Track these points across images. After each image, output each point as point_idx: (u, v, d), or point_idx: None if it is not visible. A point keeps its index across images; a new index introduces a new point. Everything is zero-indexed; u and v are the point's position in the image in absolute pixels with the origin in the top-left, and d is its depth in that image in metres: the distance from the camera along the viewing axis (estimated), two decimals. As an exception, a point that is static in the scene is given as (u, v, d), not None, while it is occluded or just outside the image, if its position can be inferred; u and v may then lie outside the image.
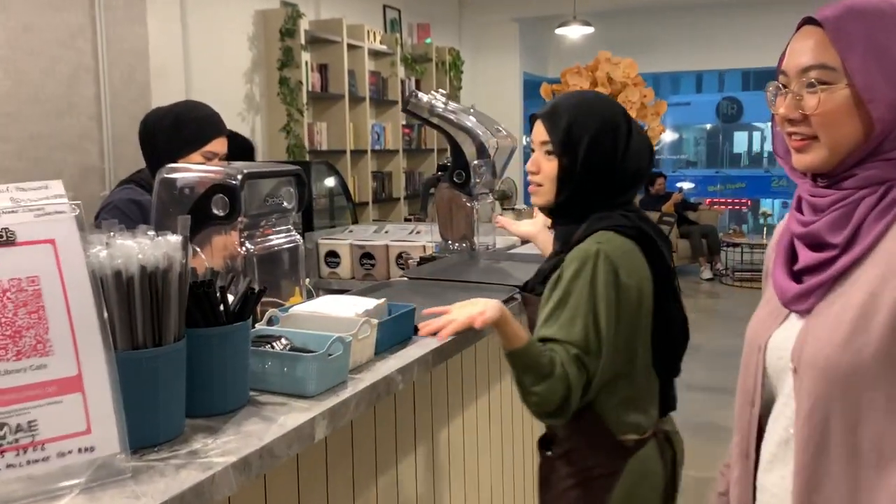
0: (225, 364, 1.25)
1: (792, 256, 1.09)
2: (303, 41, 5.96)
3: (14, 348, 0.99)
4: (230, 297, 1.27)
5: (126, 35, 4.84)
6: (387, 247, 3.70)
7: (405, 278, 2.41)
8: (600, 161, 1.59)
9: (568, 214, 1.65)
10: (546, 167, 1.63)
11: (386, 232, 4.03)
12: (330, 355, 1.37)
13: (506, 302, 2.03)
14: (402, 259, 3.66)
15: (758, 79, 11.69)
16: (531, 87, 10.18)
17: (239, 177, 1.68)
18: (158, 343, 1.12)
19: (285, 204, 1.88)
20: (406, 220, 7.62)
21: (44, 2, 4.32)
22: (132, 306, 1.10)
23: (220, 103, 5.58)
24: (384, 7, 7.69)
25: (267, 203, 1.80)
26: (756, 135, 15.47)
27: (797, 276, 1.08)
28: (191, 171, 1.75)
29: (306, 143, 6.06)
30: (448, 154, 3.02)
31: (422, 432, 1.92)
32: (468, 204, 2.97)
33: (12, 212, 1.05)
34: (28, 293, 1.02)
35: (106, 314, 1.06)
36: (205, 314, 1.22)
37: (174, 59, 5.24)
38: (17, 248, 1.03)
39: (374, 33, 7.03)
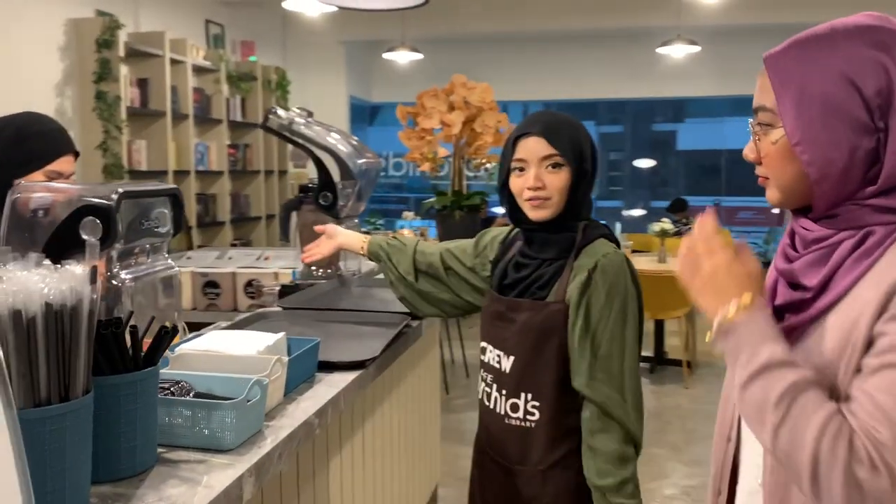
0: (135, 417, 1.05)
1: (774, 293, 1.06)
2: (122, 53, 5.53)
3: None
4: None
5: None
6: (234, 274, 3.47)
7: (278, 308, 2.23)
8: (597, 167, 1.69)
9: (562, 223, 1.67)
10: (552, 180, 1.64)
11: (230, 258, 3.78)
12: (248, 401, 1.20)
13: (398, 334, 1.93)
14: (251, 287, 3.44)
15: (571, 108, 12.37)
16: (357, 111, 10.12)
17: (114, 197, 1.46)
18: (65, 397, 0.91)
19: (160, 228, 1.67)
20: (232, 244, 7.27)
21: None
22: (34, 353, 0.89)
23: (27, 117, 5.07)
24: (206, 22, 7.34)
25: (142, 225, 1.58)
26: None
27: (779, 314, 1.04)
28: (54, 190, 1.50)
29: (125, 163, 5.61)
30: (288, 175, 2.87)
31: (337, 473, 1.77)
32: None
33: None
34: None
35: (3, 364, 0.85)
36: (111, 359, 1.02)
37: (-27, 67, 4.67)
38: None
39: (198, 48, 6.68)
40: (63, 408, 0.90)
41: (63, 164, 2.03)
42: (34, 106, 5.17)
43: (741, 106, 10.05)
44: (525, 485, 1.64)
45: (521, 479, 1.65)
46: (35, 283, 0.89)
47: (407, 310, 2.04)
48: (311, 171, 3.10)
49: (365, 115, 11.38)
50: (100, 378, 0.99)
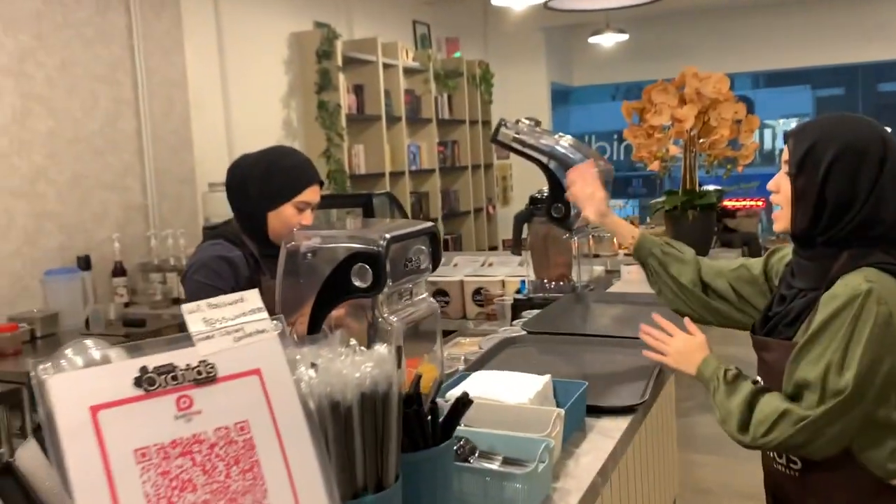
0: (434, 491, 1.02)
1: None
2: (339, 62, 5.75)
3: (231, 523, 0.78)
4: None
5: (164, 65, 4.64)
6: (461, 283, 3.49)
7: (524, 331, 2.18)
8: (839, 186, 1.40)
9: (812, 245, 1.46)
10: (785, 188, 1.47)
11: (455, 265, 3.82)
12: (541, 464, 1.15)
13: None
14: (479, 296, 3.44)
15: (770, 78, 11.46)
16: (559, 97, 9.98)
17: (382, 243, 1.46)
18: (379, 484, 0.90)
19: (421, 265, 1.66)
20: (444, 239, 7.41)
21: (81, 35, 4.12)
22: (351, 443, 0.88)
23: (258, 130, 5.43)
24: (414, 23, 7.49)
25: (406, 266, 1.58)
26: (767, 132, 15.21)
27: None
28: (324, 237, 1.53)
29: (346, 168, 5.85)
30: (487, 180, 2.80)
31: None
32: (568, 240, 2.75)
33: (208, 337, 0.83)
34: (239, 445, 0.80)
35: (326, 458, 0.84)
36: (412, 436, 1.00)
37: (212, 88, 5.04)
38: (219, 385, 0.81)
39: (407, 50, 6.83)
40: (380, 497, 0.89)
41: (310, 194, 2.10)
42: (264, 118, 5.55)
43: None
44: None
45: None
46: (350, 370, 0.87)
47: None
48: (515, 164, 3.04)
49: (567, 98, 11.18)
50: (404, 455, 0.97)
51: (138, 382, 0.77)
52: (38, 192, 3.89)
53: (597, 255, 3.69)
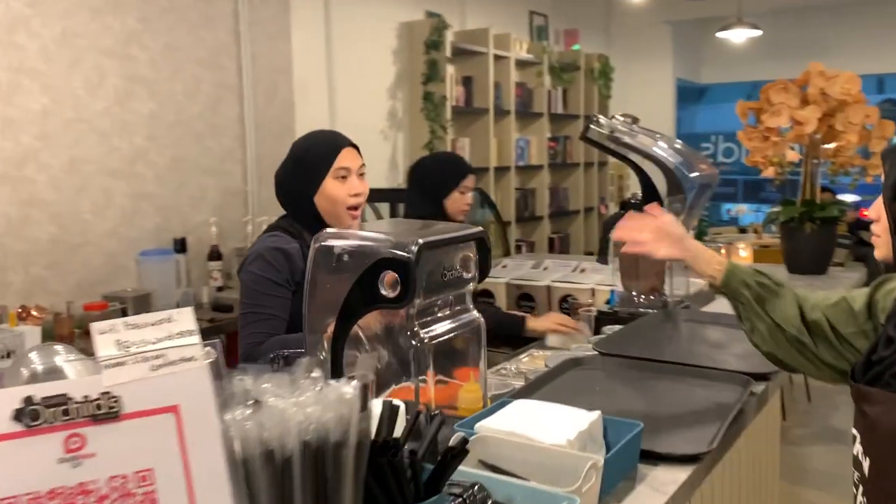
0: (414, 558, 0.85)
1: None
2: (448, 53, 5.62)
3: None
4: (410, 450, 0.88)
5: (270, 51, 4.63)
6: (548, 288, 3.28)
7: (595, 351, 1.97)
8: None
9: None
10: (884, 214, 1.23)
11: (545, 269, 3.60)
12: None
13: (740, 410, 1.57)
14: (566, 304, 3.22)
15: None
16: (685, 94, 9.51)
17: (414, 248, 1.29)
18: (325, 555, 0.73)
19: (464, 274, 1.48)
20: (549, 239, 7.17)
21: (187, 20, 4.15)
22: (288, 499, 0.72)
23: (363, 120, 5.36)
24: (530, 14, 7.27)
25: (444, 277, 1.40)
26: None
27: None
28: (353, 237, 1.38)
29: (450, 161, 5.71)
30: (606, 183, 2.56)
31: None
32: (659, 250, 2.49)
33: (119, 363, 0.69)
34: (137, 499, 0.65)
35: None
36: (388, 491, 0.83)
37: (317, 75, 5.01)
38: (122, 423, 0.67)
39: (521, 42, 6.62)
40: (323, 573, 0.73)
41: (345, 158, 2.04)
42: (368, 108, 5.49)
43: None
44: None
45: None
46: (293, 414, 0.71)
47: (750, 370, 1.67)
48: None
49: (694, 96, 10.65)
50: (372, 515, 0.81)
51: (18, 416, 0.63)
52: (136, 173, 3.94)
53: (700, 267, 3.39)
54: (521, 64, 6.75)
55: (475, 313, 1.51)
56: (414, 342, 1.33)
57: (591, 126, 2.52)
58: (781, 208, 3.10)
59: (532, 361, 2.35)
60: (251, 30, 4.48)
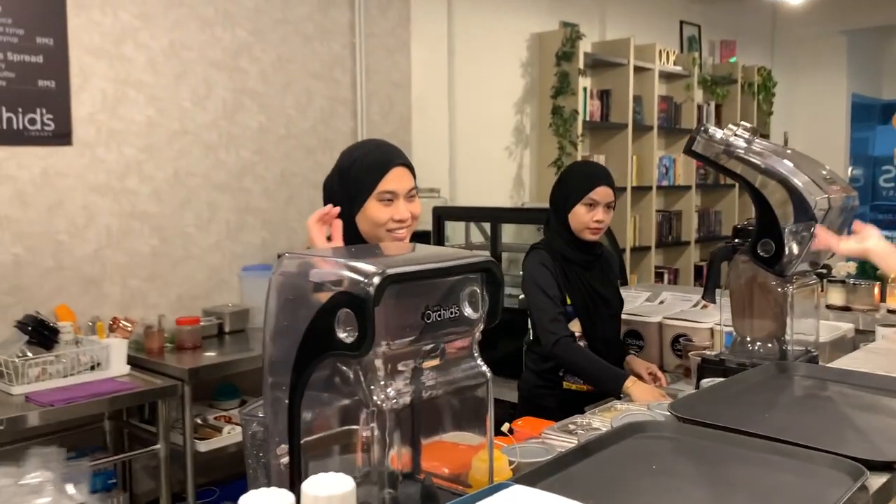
0: None
1: None
2: (581, 65, 5.26)
3: None
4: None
5: (387, 65, 4.48)
6: (660, 325, 2.87)
7: (670, 413, 1.58)
8: None
9: None
10: None
11: (661, 302, 3.18)
12: None
13: (855, 491, 1.15)
14: (678, 345, 2.80)
15: None
16: (861, 112, 8.57)
17: (374, 281, 1.00)
18: None
19: (468, 312, 1.17)
20: (696, 266, 6.59)
21: (300, 32, 4.06)
22: None
23: (486, 136, 5.10)
24: (681, 24, 6.76)
25: (427, 318, 1.10)
26: None
27: None
28: (317, 264, 1.10)
29: (580, 180, 5.33)
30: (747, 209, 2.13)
31: None
32: (779, 289, 2.05)
33: None
34: None
35: None
36: None
37: (437, 90, 4.80)
38: None
39: (668, 53, 6.14)
40: None
41: (392, 181, 1.77)
42: (492, 123, 5.23)
43: None
44: None
45: None
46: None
47: (867, 456, 1.25)
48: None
49: (873, 114, 9.61)
50: None
51: None
52: (243, 188, 3.88)
53: (847, 308, 2.86)
54: (669, 76, 6.26)
55: (481, 366, 1.19)
56: (371, 405, 1.03)
57: (699, 137, 2.11)
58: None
59: (606, 415, 1.99)
60: (367, 42, 4.34)
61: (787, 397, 1.77)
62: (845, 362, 2.16)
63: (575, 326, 2.51)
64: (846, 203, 2.11)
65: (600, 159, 5.68)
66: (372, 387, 1.03)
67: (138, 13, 3.47)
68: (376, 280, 1.00)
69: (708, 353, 2.31)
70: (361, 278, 1.01)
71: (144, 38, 3.50)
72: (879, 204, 10.49)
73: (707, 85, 6.61)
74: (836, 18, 7.54)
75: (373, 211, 1.76)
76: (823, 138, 7.96)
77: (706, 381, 1.97)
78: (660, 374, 2.55)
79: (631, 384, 2.27)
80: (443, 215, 3.61)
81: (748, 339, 2.16)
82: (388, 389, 1.05)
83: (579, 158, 5.32)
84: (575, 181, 2.49)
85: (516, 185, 5.31)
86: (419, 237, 4.04)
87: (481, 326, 1.18)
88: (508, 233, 3.78)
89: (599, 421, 1.92)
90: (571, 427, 1.89)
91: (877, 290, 2.83)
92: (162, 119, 3.57)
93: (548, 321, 2.41)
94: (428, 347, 1.11)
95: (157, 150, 3.56)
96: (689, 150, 2.13)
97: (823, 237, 1.96)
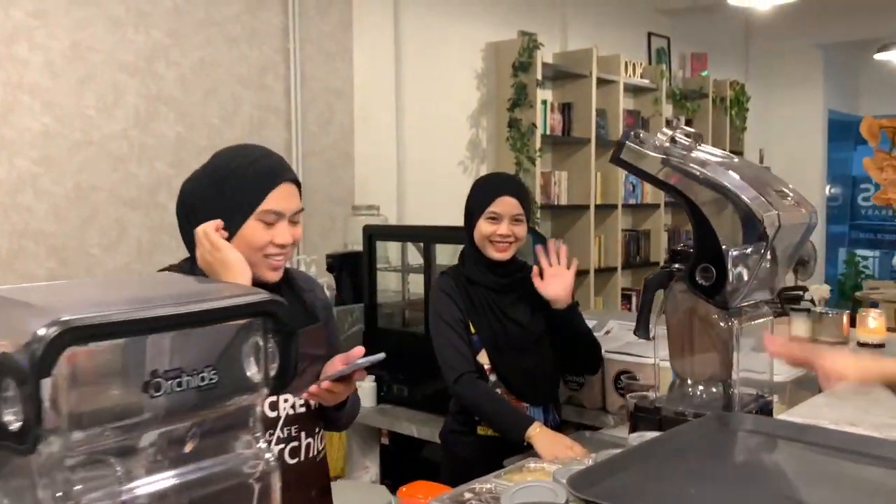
0: None
1: None
2: (539, 76, 4.95)
3: None
4: None
5: (326, 71, 4.15)
6: (603, 359, 2.52)
7: (568, 490, 1.23)
8: None
9: None
10: None
11: (607, 332, 2.85)
12: None
13: None
14: (621, 382, 2.46)
15: None
16: (839, 129, 8.32)
17: (42, 336, 0.65)
18: None
19: (250, 372, 0.83)
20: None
21: (226, 34, 3.73)
22: None
23: (438, 150, 4.75)
24: (649, 35, 6.48)
25: (154, 389, 0.75)
26: None
27: None
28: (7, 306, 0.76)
29: (538, 197, 5.02)
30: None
31: None
32: (723, 323, 1.72)
33: None
34: None
35: None
36: None
37: (383, 99, 4.47)
38: None
39: (634, 65, 5.85)
40: None
41: (281, 199, 1.47)
42: (447, 138, 4.88)
43: None
44: None
45: None
46: None
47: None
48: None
49: (851, 131, 9.38)
50: None
51: None
52: (158, 203, 3.53)
53: (814, 341, 2.53)
54: (636, 90, 5.98)
55: (267, 453, 0.84)
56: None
57: (628, 143, 1.78)
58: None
59: (518, 476, 1.64)
60: (304, 47, 4.02)
61: (723, 464, 1.42)
62: (805, 410, 1.82)
63: (483, 359, 2.17)
64: (805, 223, 1.78)
65: (562, 176, 5.38)
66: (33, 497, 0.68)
67: (34, 10, 3.14)
68: (43, 334, 0.66)
69: (652, 394, 1.98)
70: (28, 330, 0.66)
71: (41, 37, 3.16)
72: (859, 223, 10.26)
73: (677, 99, 6.33)
74: (811, 32, 7.29)
75: (252, 232, 1.46)
76: (800, 155, 7.70)
77: (634, 437, 1.63)
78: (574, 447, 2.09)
79: (535, 432, 1.93)
80: (374, 234, 3.27)
81: (689, 381, 1.82)
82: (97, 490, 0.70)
83: (538, 174, 5.01)
84: (477, 194, 2.18)
85: (471, 202, 4.98)
86: (349, 259, 3.71)
87: (264, 392, 0.84)
88: (447, 253, 3.46)
89: (504, 487, 1.57)
90: (468, 496, 1.55)
91: (845, 320, 2.50)
92: (61, 128, 3.22)
93: (448, 355, 2.08)
94: (152, 435, 0.76)
95: (55, 162, 3.21)
96: (616, 159, 1.80)
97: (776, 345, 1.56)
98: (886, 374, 1.45)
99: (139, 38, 3.44)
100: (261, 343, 0.84)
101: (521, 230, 2.14)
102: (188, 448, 0.79)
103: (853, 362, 1.46)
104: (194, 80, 3.62)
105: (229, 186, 1.47)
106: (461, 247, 2.46)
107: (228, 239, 1.47)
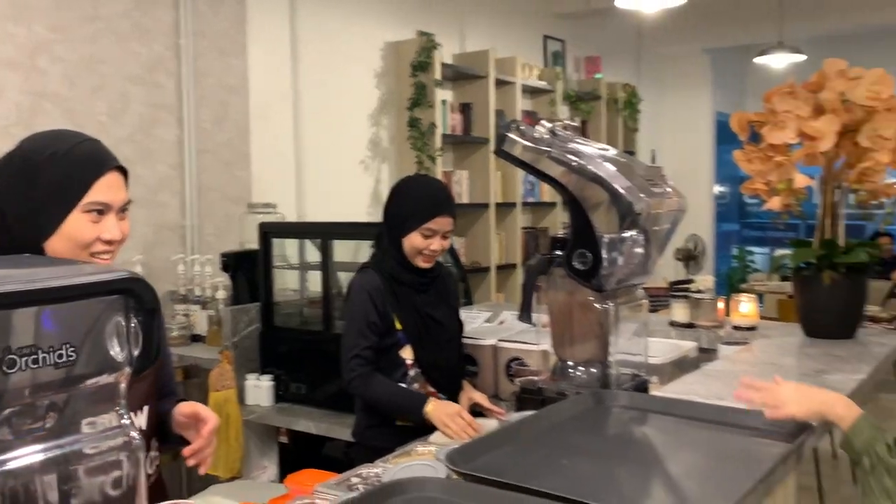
0: None
1: None
2: (438, 76, 5.01)
3: None
4: None
5: (220, 68, 4.09)
6: (494, 348, 2.59)
7: (446, 465, 1.27)
8: None
9: None
10: None
11: (501, 323, 2.92)
12: None
13: None
14: (511, 369, 2.53)
15: None
16: (726, 131, 8.71)
17: None
18: None
19: (113, 351, 0.83)
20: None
21: (114, 30, 3.64)
22: None
23: (339, 148, 4.75)
24: (545, 38, 6.64)
25: (7, 367, 0.75)
26: None
27: None
28: None
29: (439, 196, 5.07)
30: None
31: None
32: (598, 305, 1.80)
33: None
34: None
35: None
36: None
37: (280, 97, 4.45)
38: None
39: (531, 68, 5.99)
40: None
41: (108, 189, 1.33)
42: (347, 136, 4.89)
43: None
44: None
45: None
46: None
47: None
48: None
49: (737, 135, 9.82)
50: None
51: None
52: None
53: (690, 325, 2.66)
54: (533, 91, 6.11)
55: (137, 440, 0.85)
56: None
57: (510, 135, 1.85)
58: (792, 251, 2.37)
59: (405, 459, 1.68)
60: (197, 43, 3.95)
61: (597, 436, 1.50)
62: (678, 387, 1.92)
63: (407, 353, 2.23)
64: (675, 212, 1.88)
65: (462, 175, 5.45)
66: None
67: None
68: None
69: (540, 378, 2.05)
70: None
71: (-89, 29, 3.01)
72: (750, 222, 10.77)
73: (572, 101, 6.50)
74: (699, 37, 7.62)
75: (76, 227, 1.30)
76: (691, 156, 8.03)
77: (515, 416, 1.69)
78: (490, 406, 2.25)
79: (431, 408, 1.99)
80: (270, 232, 3.24)
81: (570, 363, 1.90)
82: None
83: (439, 173, 5.07)
84: (414, 205, 2.18)
85: (374, 200, 4.99)
86: (245, 258, 3.67)
87: (126, 372, 0.85)
88: (347, 249, 3.47)
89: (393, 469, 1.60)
90: (355, 480, 1.57)
91: (721, 305, 2.65)
92: (-65, 124, 3.08)
93: (349, 357, 2.12)
94: (39, 408, 0.76)
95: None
96: (499, 151, 1.86)
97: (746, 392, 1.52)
98: (821, 413, 1.41)
99: (20, 32, 3.32)
100: (123, 322, 0.85)
101: (448, 242, 2.22)
102: (48, 423, 0.79)
103: (794, 397, 1.42)
104: (80, 77, 3.51)
105: (45, 175, 1.29)
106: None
107: (47, 236, 1.30)
